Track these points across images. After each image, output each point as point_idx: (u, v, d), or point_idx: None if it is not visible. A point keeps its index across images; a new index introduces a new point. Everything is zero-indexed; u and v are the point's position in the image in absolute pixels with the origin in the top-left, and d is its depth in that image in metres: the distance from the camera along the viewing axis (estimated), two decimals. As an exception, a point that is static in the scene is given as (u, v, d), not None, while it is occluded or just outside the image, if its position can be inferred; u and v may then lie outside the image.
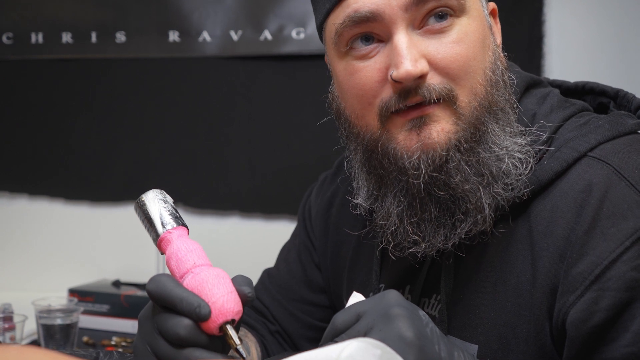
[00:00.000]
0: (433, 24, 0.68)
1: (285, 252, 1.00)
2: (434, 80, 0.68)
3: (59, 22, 1.67)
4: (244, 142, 1.62)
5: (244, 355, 0.62)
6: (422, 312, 0.60)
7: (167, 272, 0.66)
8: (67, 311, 1.19)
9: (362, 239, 0.82)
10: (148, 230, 0.68)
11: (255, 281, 0.97)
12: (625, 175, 0.67)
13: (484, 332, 0.72)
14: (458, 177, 0.68)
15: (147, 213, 0.67)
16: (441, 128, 0.68)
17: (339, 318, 0.61)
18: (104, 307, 1.43)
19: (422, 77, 0.67)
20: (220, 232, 1.62)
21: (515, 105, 0.73)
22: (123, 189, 1.68)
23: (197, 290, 0.62)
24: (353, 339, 0.54)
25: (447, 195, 0.69)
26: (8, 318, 1.21)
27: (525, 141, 0.71)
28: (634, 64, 1.46)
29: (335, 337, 0.60)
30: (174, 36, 1.63)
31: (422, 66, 0.67)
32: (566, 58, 1.48)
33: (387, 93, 0.69)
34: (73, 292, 1.46)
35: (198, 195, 1.64)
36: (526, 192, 0.70)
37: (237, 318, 0.62)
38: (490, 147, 0.69)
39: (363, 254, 0.86)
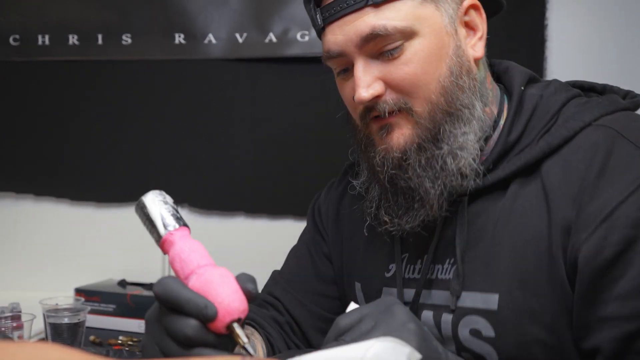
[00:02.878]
0: (387, 53, 0.81)
1: (294, 250, 1.04)
2: (390, 97, 0.82)
3: (65, 24, 1.69)
4: (248, 143, 1.63)
5: (252, 353, 0.63)
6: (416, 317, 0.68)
7: (170, 271, 0.67)
8: (74, 310, 1.20)
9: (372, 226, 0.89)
10: (150, 232, 0.69)
11: (259, 280, 0.98)
12: (626, 136, 0.76)
13: (504, 280, 0.78)
14: (410, 172, 0.82)
15: (148, 215, 0.68)
16: (401, 133, 0.82)
17: (342, 320, 0.65)
18: (110, 307, 1.44)
19: (377, 97, 0.81)
20: (226, 233, 1.63)
21: (474, 107, 0.83)
22: (129, 190, 1.69)
23: (203, 290, 0.62)
24: (376, 339, 0.56)
25: (406, 186, 0.82)
26: (16, 317, 1.22)
27: (478, 137, 0.82)
28: (636, 66, 1.47)
29: (339, 336, 0.63)
30: (179, 38, 1.64)
31: (373, 90, 0.81)
32: (568, 61, 1.49)
33: (360, 107, 0.84)
34: (79, 291, 1.47)
35: (203, 196, 1.65)
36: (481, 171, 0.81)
37: (243, 316, 0.63)
38: (443, 145, 0.81)
39: (376, 239, 0.92)
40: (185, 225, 0.68)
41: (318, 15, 0.85)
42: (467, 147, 0.81)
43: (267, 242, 1.52)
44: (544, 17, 1.47)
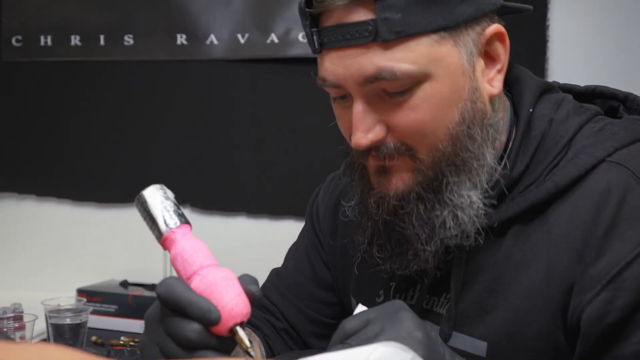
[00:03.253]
0: (393, 94, 0.70)
1: (293, 251, 1.02)
2: (392, 141, 0.72)
3: (67, 25, 1.69)
4: (250, 144, 1.64)
5: (254, 356, 0.62)
6: (423, 322, 0.64)
7: (173, 271, 0.67)
8: (76, 311, 1.20)
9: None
10: (150, 228, 0.67)
11: (260, 281, 0.98)
12: None
13: (493, 329, 0.74)
14: (407, 222, 0.73)
15: (149, 210, 0.66)
16: (400, 178, 0.73)
17: (348, 324, 0.63)
18: (112, 307, 1.44)
19: (377, 140, 0.71)
20: (227, 233, 1.64)
21: (484, 157, 0.74)
22: (130, 190, 1.67)
23: (206, 293, 0.62)
24: (379, 343, 0.56)
25: (401, 234, 0.74)
26: (18, 317, 1.22)
27: (483, 196, 0.73)
28: (637, 66, 1.47)
29: (345, 340, 0.62)
30: (181, 39, 1.65)
31: (373, 135, 0.71)
32: (569, 62, 1.49)
33: None
34: (81, 292, 1.48)
35: (205, 196, 1.65)
36: (478, 237, 0.73)
37: (245, 319, 0.63)
38: (444, 198, 0.72)
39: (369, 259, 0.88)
40: (187, 222, 0.67)
41: (315, 37, 0.72)
42: (471, 206, 0.73)
43: (268, 243, 1.52)
44: (545, 17, 1.47)
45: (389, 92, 0.70)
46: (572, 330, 0.71)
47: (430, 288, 0.80)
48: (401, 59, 0.68)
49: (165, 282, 0.63)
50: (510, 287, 0.74)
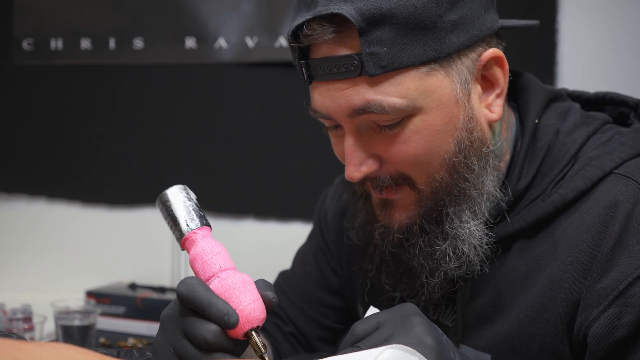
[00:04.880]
0: (383, 127, 0.69)
1: (302, 255, 1.02)
2: (387, 171, 0.71)
3: (78, 28, 1.70)
4: (258, 147, 1.64)
5: None
6: (435, 325, 0.63)
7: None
8: (85, 313, 1.21)
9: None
10: (171, 228, 0.67)
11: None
12: None
13: (497, 342, 0.74)
14: (412, 253, 0.73)
15: (171, 210, 0.66)
16: (404, 211, 0.73)
17: (359, 326, 0.63)
18: (120, 309, 1.45)
19: (369, 172, 0.71)
20: (235, 236, 1.64)
21: (483, 185, 0.73)
22: (139, 193, 1.70)
23: (225, 296, 0.62)
24: (387, 346, 0.56)
25: (407, 264, 0.75)
26: (28, 319, 1.23)
27: (482, 227, 0.72)
28: (648, 71, 1.46)
29: (355, 343, 0.62)
30: (190, 42, 1.66)
31: (366, 168, 0.70)
32: (579, 66, 1.48)
33: None
34: (90, 294, 1.48)
35: (213, 199, 1.66)
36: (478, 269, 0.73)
37: (261, 324, 0.63)
38: (446, 228, 0.72)
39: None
40: (208, 224, 0.67)
41: (304, 69, 0.70)
42: (471, 235, 0.72)
43: (276, 245, 1.52)
44: (555, 21, 1.47)
45: (380, 124, 0.69)
46: (578, 346, 0.70)
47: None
48: (389, 92, 0.67)
49: (186, 281, 0.63)
50: (514, 300, 0.73)
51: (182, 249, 0.67)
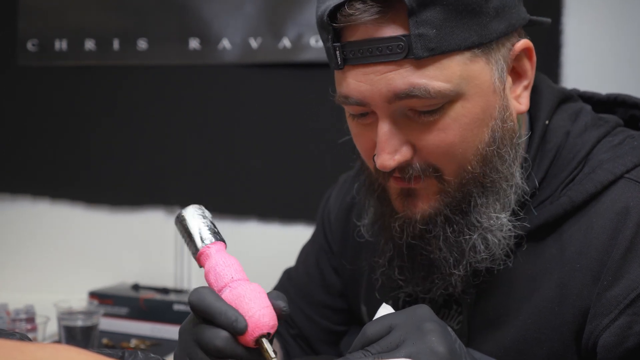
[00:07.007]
0: (422, 114, 0.67)
1: (304, 255, 1.02)
2: (418, 161, 0.69)
3: (82, 29, 1.71)
4: (262, 148, 1.64)
5: None
6: (449, 328, 0.62)
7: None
8: (88, 313, 1.21)
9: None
10: (188, 244, 0.70)
11: (271, 287, 0.98)
12: None
13: (503, 346, 0.73)
14: (433, 245, 0.71)
15: (187, 228, 0.69)
16: (427, 200, 0.70)
17: (370, 328, 0.62)
18: (123, 310, 1.45)
19: (403, 162, 0.68)
20: (238, 238, 1.64)
21: (513, 177, 0.71)
22: (143, 194, 1.70)
23: (235, 303, 0.63)
24: (399, 359, 0.55)
25: (426, 258, 0.72)
26: (30, 319, 1.23)
27: (510, 219, 0.71)
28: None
29: (366, 346, 0.61)
30: (194, 44, 1.66)
31: (400, 157, 0.68)
32: (584, 68, 1.48)
33: None
34: (93, 294, 1.48)
35: (216, 200, 1.65)
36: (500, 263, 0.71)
37: (272, 331, 0.63)
38: (473, 219, 0.70)
39: None
40: (222, 239, 0.70)
41: (338, 52, 0.67)
42: (501, 228, 0.70)
43: (279, 247, 1.52)
44: (559, 22, 1.46)
45: (419, 110, 0.67)
46: (587, 354, 0.69)
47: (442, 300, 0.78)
48: (434, 76, 0.65)
49: (197, 290, 0.64)
50: (521, 304, 0.72)
51: (200, 266, 0.69)
